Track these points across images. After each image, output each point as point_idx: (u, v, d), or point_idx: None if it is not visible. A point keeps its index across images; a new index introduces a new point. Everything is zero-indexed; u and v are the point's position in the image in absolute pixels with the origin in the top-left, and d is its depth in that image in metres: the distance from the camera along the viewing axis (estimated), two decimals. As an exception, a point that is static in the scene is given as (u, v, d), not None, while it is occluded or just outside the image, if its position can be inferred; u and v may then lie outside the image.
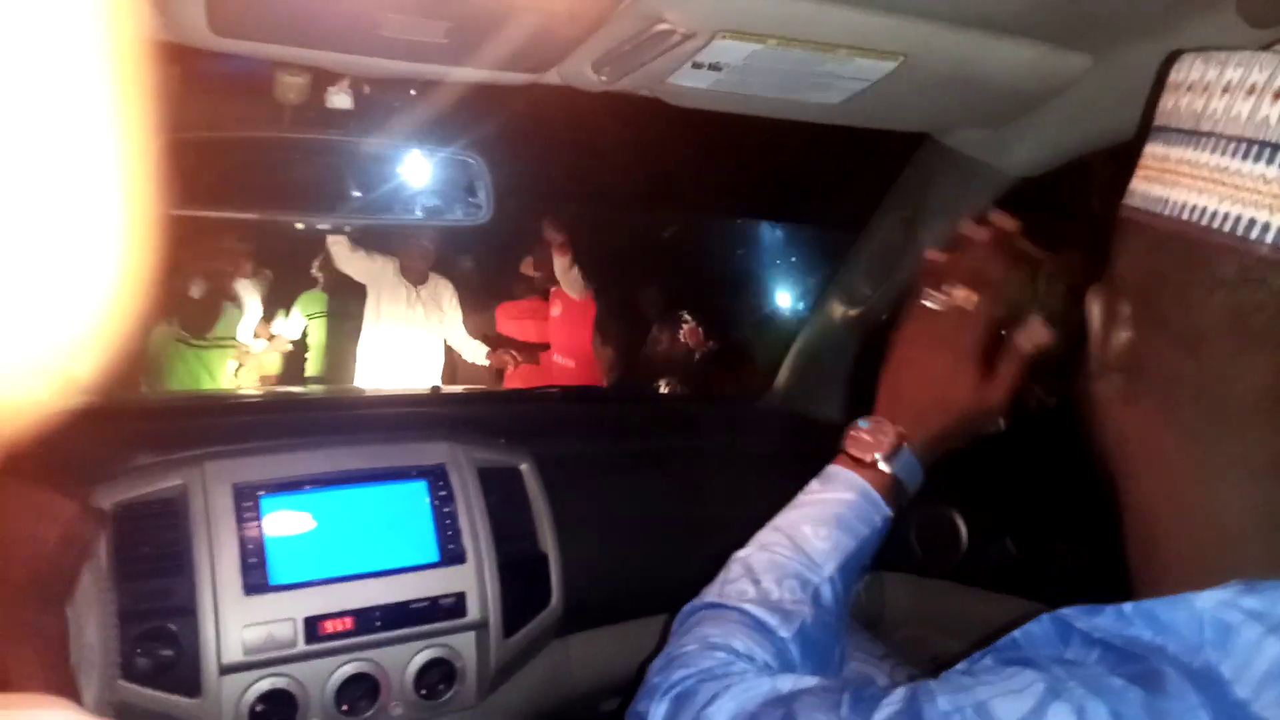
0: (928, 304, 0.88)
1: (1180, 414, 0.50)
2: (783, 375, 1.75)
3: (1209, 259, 0.47)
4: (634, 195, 3.46)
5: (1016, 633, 0.54)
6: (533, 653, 1.20)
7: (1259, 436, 0.48)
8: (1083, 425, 0.60)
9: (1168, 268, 0.49)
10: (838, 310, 1.60)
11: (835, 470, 0.86)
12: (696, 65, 0.86)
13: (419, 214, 1.17)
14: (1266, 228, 0.45)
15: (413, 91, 1.11)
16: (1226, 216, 0.46)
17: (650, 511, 1.34)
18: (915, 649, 1.50)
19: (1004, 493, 1.39)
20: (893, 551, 1.52)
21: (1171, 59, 0.54)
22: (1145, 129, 0.57)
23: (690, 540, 1.35)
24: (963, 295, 0.86)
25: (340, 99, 1.08)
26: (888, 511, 0.84)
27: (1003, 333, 0.87)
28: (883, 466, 0.84)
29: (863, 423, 0.87)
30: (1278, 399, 0.47)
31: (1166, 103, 0.52)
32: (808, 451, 1.60)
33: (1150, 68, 0.61)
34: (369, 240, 4.08)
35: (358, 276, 4.12)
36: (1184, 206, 0.48)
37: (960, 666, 0.54)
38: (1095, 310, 0.56)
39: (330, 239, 4.02)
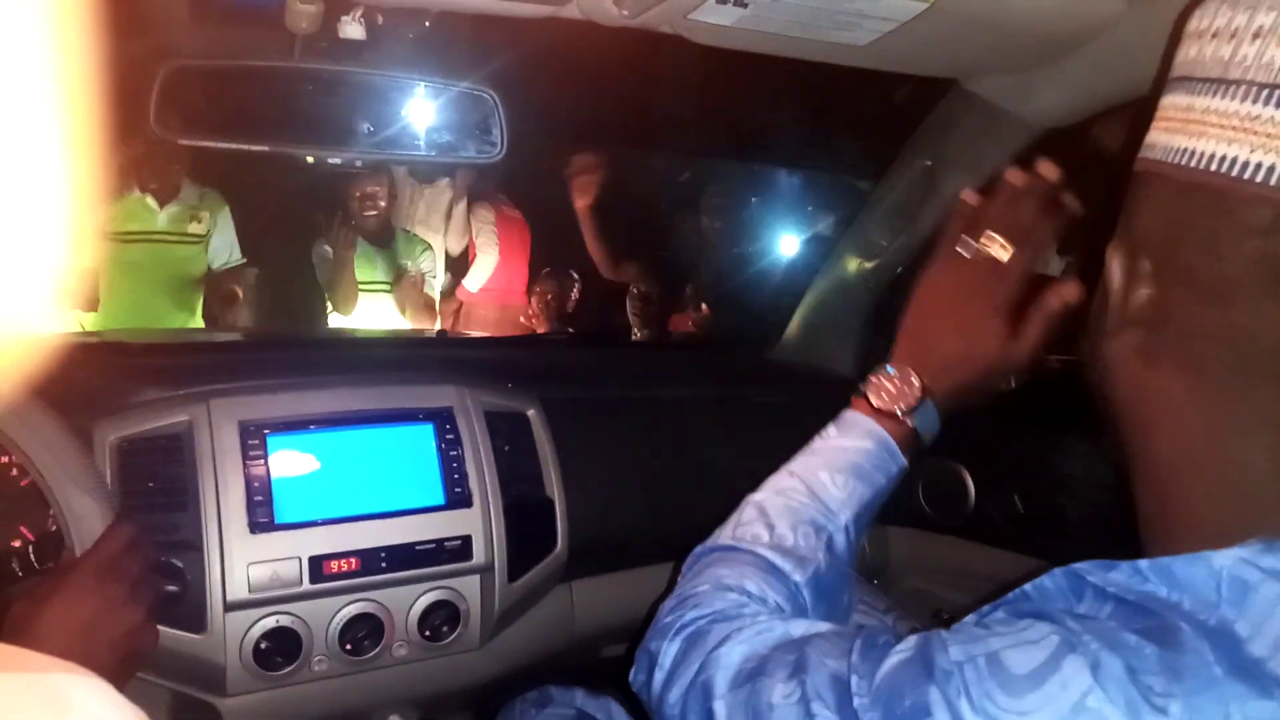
0: (961, 251, 0.84)
1: (1204, 368, 0.49)
2: (793, 326, 1.74)
3: (1240, 208, 0.45)
4: (649, 136, 3.40)
5: (1028, 586, 0.53)
6: (537, 597, 1.20)
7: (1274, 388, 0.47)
8: (1094, 384, 0.59)
9: (1194, 219, 0.48)
10: (852, 261, 1.58)
11: (854, 417, 0.84)
12: (721, 0, 0.83)
13: (431, 151, 1.15)
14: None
15: (427, 23, 1.08)
16: (1259, 166, 0.44)
17: (657, 459, 1.34)
18: (918, 602, 1.50)
19: (1012, 449, 1.38)
20: (899, 505, 1.52)
21: (1192, 6, 0.52)
22: (1160, 81, 0.56)
23: (696, 489, 1.34)
24: (999, 245, 0.81)
25: (353, 29, 1.05)
26: (904, 462, 0.83)
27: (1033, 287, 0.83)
28: (905, 419, 0.82)
29: (887, 369, 0.84)
30: None
31: (1188, 51, 0.51)
32: (817, 404, 1.59)
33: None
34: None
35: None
36: (1212, 157, 0.46)
37: (971, 618, 0.53)
38: (1115, 266, 0.55)
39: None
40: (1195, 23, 0.50)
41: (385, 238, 3.61)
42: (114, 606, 0.81)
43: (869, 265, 1.55)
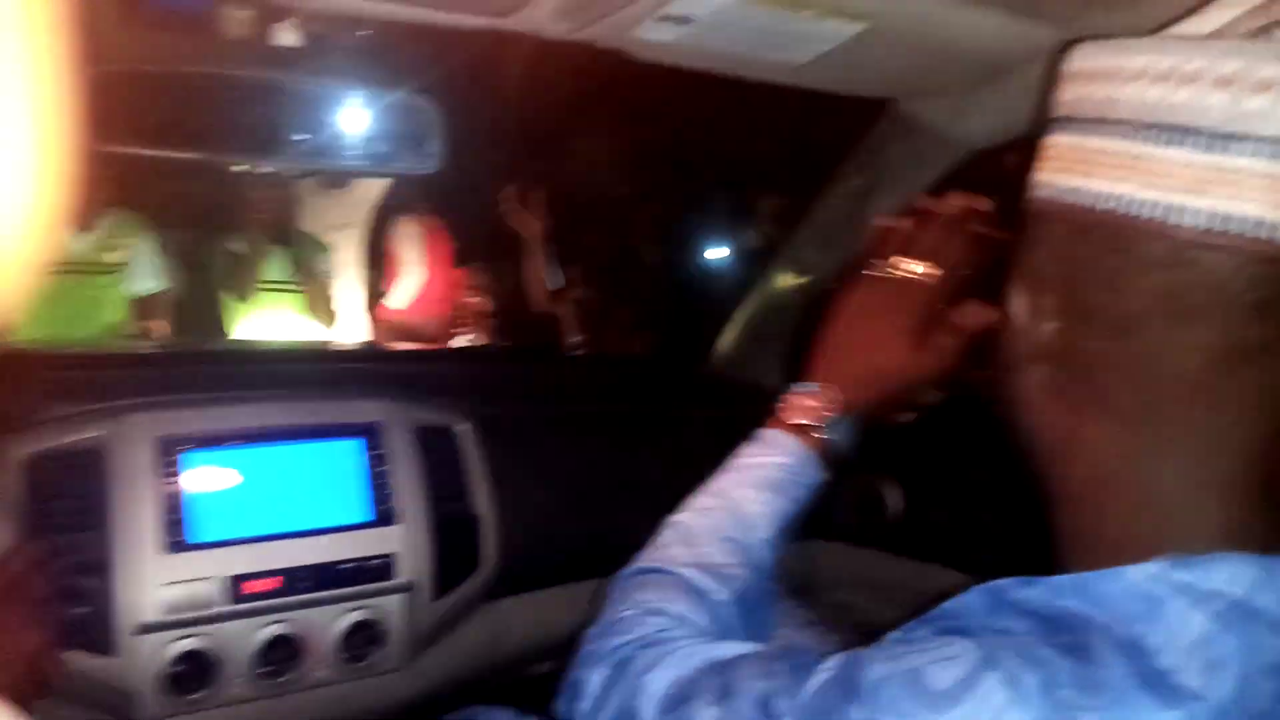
0: (875, 272, 0.87)
1: (1111, 399, 0.51)
2: (726, 340, 1.74)
3: (1137, 244, 0.47)
4: (587, 151, 3.41)
5: (950, 603, 0.54)
6: (463, 616, 1.18)
7: (1191, 413, 0.49)
8: (1004, 416, 0.61)
9: (1093, 255, 0.49)
10: (786, 277, 1.59)
11: (771, 433, 0.86)
12: (664, 17, 0.83)
13: (366, 161, 1.12)
14: (1193, 212, 0.45)
15: (364, 31, 1.06)
16: (1148, 203, 0.46)
17: (588, 475, 1.33)
18: (843, 616, 1.51)
19: (936, 463, 1.40)
20: (823, 519, 1.53)
21: (1067, 48, 0.55)
22: (1042, 120, 0.58)
23: (627, 505, 1.33)
24: (910, 266, 0.85)
25: (288, 35, 1.03)
26: (821, 476, 0.85)
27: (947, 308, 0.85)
28: (820, 433, 0.84)
29: (801, 386, 0.86)
30: (1209, 374, 0.47)
31: (1068, 92, 0.53)
32: (748, 418, 1.60)
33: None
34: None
35: None
36: (1104, 195, 0.48)
37: (894, 635, 0.55)
38: (1018, 303, 0.56)
39: None
40: (1075, 64, 0.52)
41: (284, 237, 3.53)
42: (14, 630, 0.77)
43: (802, 281, 1.56)
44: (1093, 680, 0.43)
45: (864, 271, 0.88)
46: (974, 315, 0.83)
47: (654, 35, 0.87)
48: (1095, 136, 0.49)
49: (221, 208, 3.50)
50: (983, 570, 1.35)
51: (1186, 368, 0.48)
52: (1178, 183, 0.45)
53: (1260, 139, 0.44)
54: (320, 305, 3.56)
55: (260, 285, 3.41)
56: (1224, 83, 0.44)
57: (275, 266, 3.46)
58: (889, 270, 0.86)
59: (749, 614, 0.75)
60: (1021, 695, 0.43)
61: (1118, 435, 0.51)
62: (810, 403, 0.85)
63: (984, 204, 0.86)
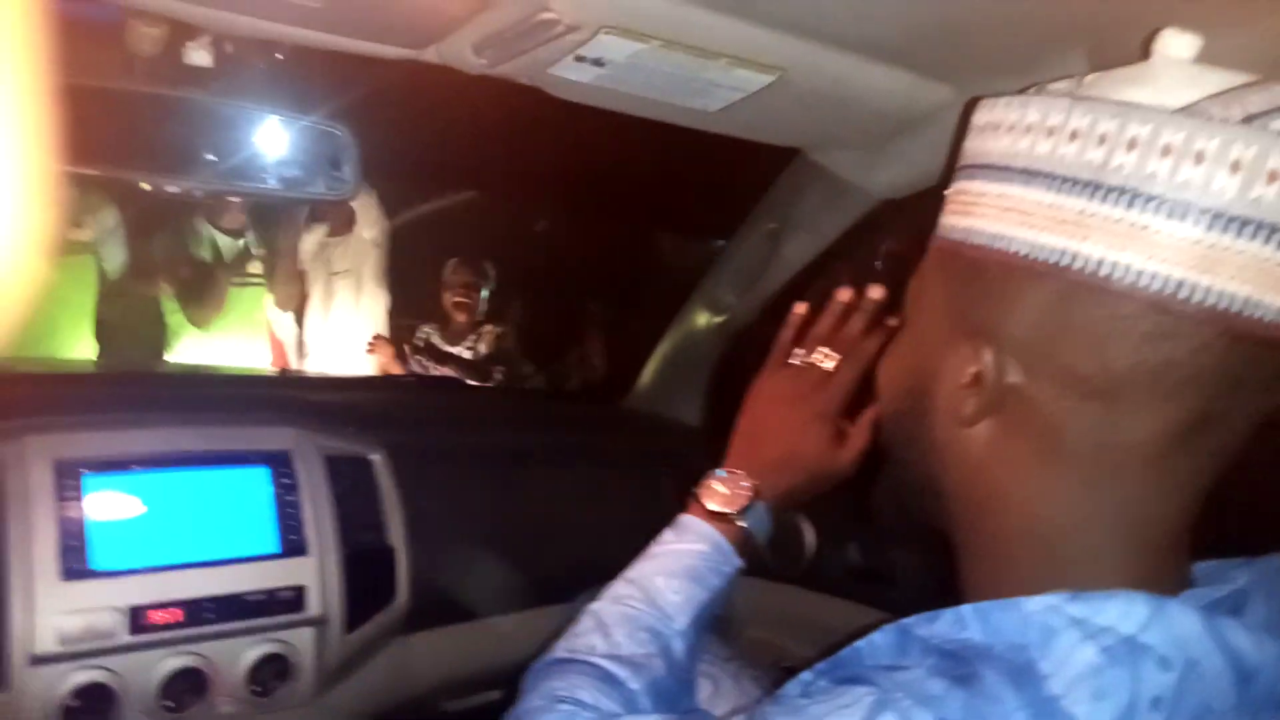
0: (791, 361, 0.92)
1: (1068, 457, 0.51)
2: (646, 376, 1.77)
3: (1132, 314, 0.47)
4: (504, 182, 3.42)
5: (860, 642, 0.55)
6: (374, 650, 1.16)
7: (1145, 474, 0.50)
8: (913, 462, 0.62)
9: (1078, 319, 0.49)
10: (702, 316, 1.62)
11: (688, 520, 0.87)
12: (579, 59, 0.85)
13: (278, 185, 1.11)
14: (1193, 288, 0.46)
15: (278, 55, 1.06)
16: (1154, 275, 0.46)
17: (504, 508, 1.32)
18: (762, 651, 1.53)
19: (849, 500, 1.43)
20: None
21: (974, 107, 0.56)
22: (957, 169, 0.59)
23: (544, 539, 1.34)
24: (825, 356, 0.90)
25: (199, 55, 1.02)
26: (738, 563, 0.87)
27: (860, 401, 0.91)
28: (737, 520, 0.86)
29: (718, 473, 0.89)
30: (1173, 439, 0.49)
31: (1054, 148, 0.50)
32: (665, 452, 1.62)
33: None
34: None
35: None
36: (1101, 262, 0.47)
37: (794, 687, 0.55)
38: (955, 359, 0.55)
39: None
40: (1056, 119, 0.51)
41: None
42: None
43: (718, 320, 1.59)
44: (983, 713, 0.44)
45: (780, 359, 0.93)
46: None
47: (570, 75, 0.89)
48: (1086, 199, 0.48)
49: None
50: (894, 608, 1.39)
51: (1153, 432, 0.49)
52: (1183, 258, 0.46)
53: (1174, 203, 0.46)
54: (284, 284, 3.45)
55: (232, 282, 3.30)
56: (1166, 151, 0.46)
57: (240, 254, 3.34)
58: (805, 359, 0.91)
59: (664, 703, 0.75)
60: None
61: (1064, 491, 0.51)
62: (727, 490, 0.87)
63: (883, 294, 0.92)
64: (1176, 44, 0.51)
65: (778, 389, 0.92)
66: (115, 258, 3.16)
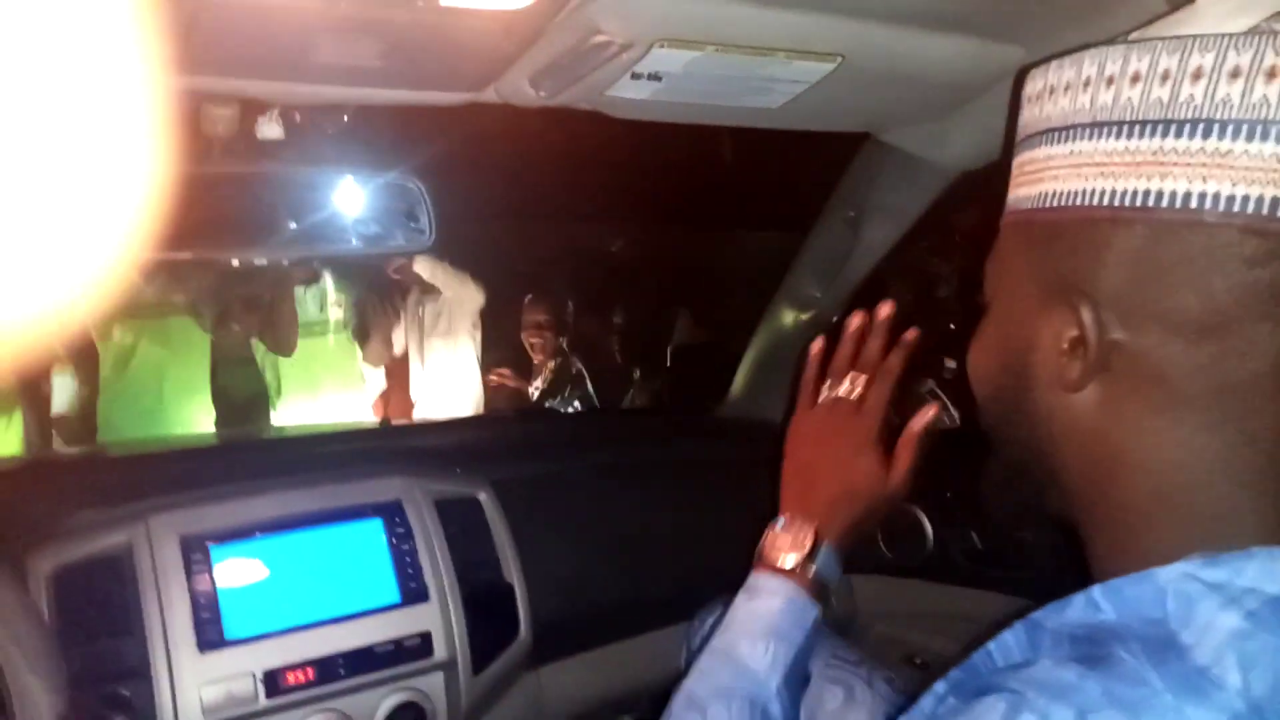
0: (821, 399, 0.92)
1: (1185, 404, 0.49)
2: (739, 382, 1.75)
3: (1228, 242, 0.46)
4: (576, 207, 3.46)
5: (991, 644, 0.54)
6: (504, 688, 1.17)
7: (1264, 413, 0.48)
8: (1024, 440, 0.59)
9: (1173, 259, 0.48)
10: (788, 314, 1.60)
11: (758, 580, 0.86)
12: (635, 76, 0.85)
13: (360, 243, 1.14)
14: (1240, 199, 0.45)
15: (345, 117, 1.08)
16: (1246, 199, 0.46)
17: (614, 529, 1.32)
18: (891, 648, 1.50)
19: (964, 486, 1.39)
20: (861, 552, 1.52)
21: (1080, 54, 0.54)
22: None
23: (658, 556, 1.33)
24: (850, 385, 0.90)
25: (271, 129, 1.05)
26: (816, 612, 0.85)
27: (896, 417, 0.89)
28: (806, 568, 0.85)
29: (778, 525, 0.88)
30: None
31: (1137, 92, 0.50)
32: (767, 456, 1.60)
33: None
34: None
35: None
36: (1189, 195, 0.47)
37: (927, 703, 0.54)
38: (1047, 326, 0.54)
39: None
40: (1114, 67, 0.51)
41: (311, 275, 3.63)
42: None
43: (805, 317, 1.57)
44: (1124, 697, 0.42)
45: (807, 398, 0.93)
46: (923, 418, 0.87)
47: (628, 94, 0.89)
48: (1172, 138, 0.48)
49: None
50: (1021, 590, 1.34)
51: (1268, 363, 0.47)
52: (1270, 176, 0.45)
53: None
54: (368, 337, 3.62)
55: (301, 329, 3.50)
56: (1235, 74, 0.46)
57: (310, 302, 3.55)
58: (834, 395, 0.90)
59: None
60: None
61: (1185, 441, 0.50)
62: (789, 540, 0.86)
63: (891, 309, 0.92)
64: None
65: (814, 428, 0.91)
66: (211, 310, 3.45)
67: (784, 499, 0.90)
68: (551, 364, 3.88)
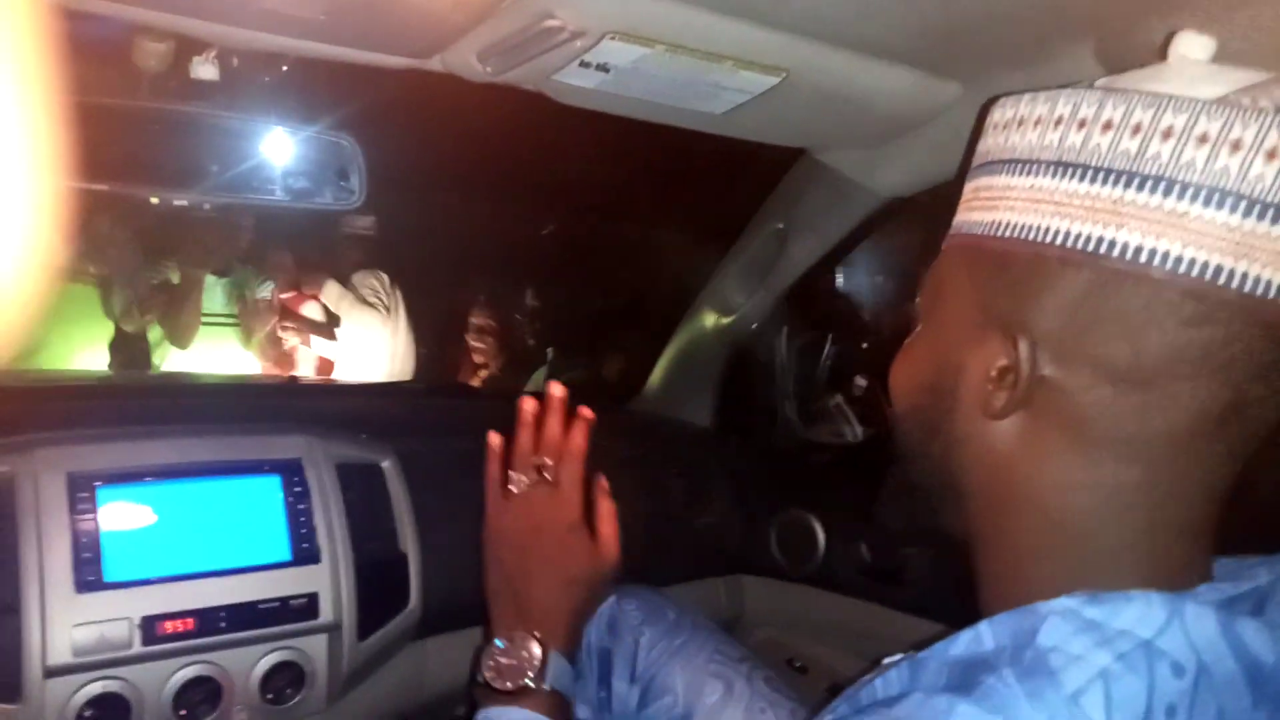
0: (512, 489, 0.90)
1: (1102, 448, 0.51)
2: (654, 378, 1.77)
3: (1171, 301, 0.47)
4: (509, 190, 3.43)
5: (878, 680, 0.55)
6: (388, 656, 1.16)
7: (1176, 464, 0.50)
8: (934, 465, 0.60)
9: (1116, 308, 0.49)
10: (709, 316, 1.63)
11: (492, 713, 0.80)
12: (584, 64, 0.85)
13: (286, 196, 1.12)
14: (1230, 273, 0.46)
15: (285, 67, 1.06)
16: (1193, 261, 0.47)
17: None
18: (773, 650, 1.54)
19: (859, 499, 1.43)
20: (752, 555, 1.56)
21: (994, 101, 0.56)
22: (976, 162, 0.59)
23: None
24: (539, 471, 0.88)
25: (206, 70, 1.02)
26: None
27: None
28: (539, 685, 0.80)
29: (496, 646, 0.83)
30: (1206, 426, 0.49)
31: (1085, 140, 0.51)
32: (675, 454, 1.62)
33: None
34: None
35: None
36: (1139, 250, 0.48)
37: None
38: (976, 355, 0.55)
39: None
40: (1088, 111, 0.51)
41: (224, 268, 3.50)
42: None
43: (725, 321, 1.60)
44: (993, 703, 0.43)
45: (498, 495, 0.91)
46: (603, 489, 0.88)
47: (575, 81, 0.90)
48: (1132, 190, 0.48)
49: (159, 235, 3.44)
50: (904, 606, 1.38)
51: (1184, 420, 0.49)
52: (1220, 244, 0.46)
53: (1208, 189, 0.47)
54: (256, 336, 3.50)
55: (202, 319, 3.37)
56: (1166, 134, 0.48)
57: (215, 298, 3.41)
58: (523, 483, 0.89)
59: None
60: None
61: (1092, 482, 0.51)
62: (513, 663, 0.81)
63: (564, 391, 0.93)
64: (1194, 45, 0.52)
65: (513, 523, 0.89)
66: (123, 292, 3.34)
67: (496, 617, 0.86)
68: (490, 369, 3.85)
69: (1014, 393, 0.52)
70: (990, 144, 0.58)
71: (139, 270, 3.36)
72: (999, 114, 0.57)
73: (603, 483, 0.88)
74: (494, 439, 0.91)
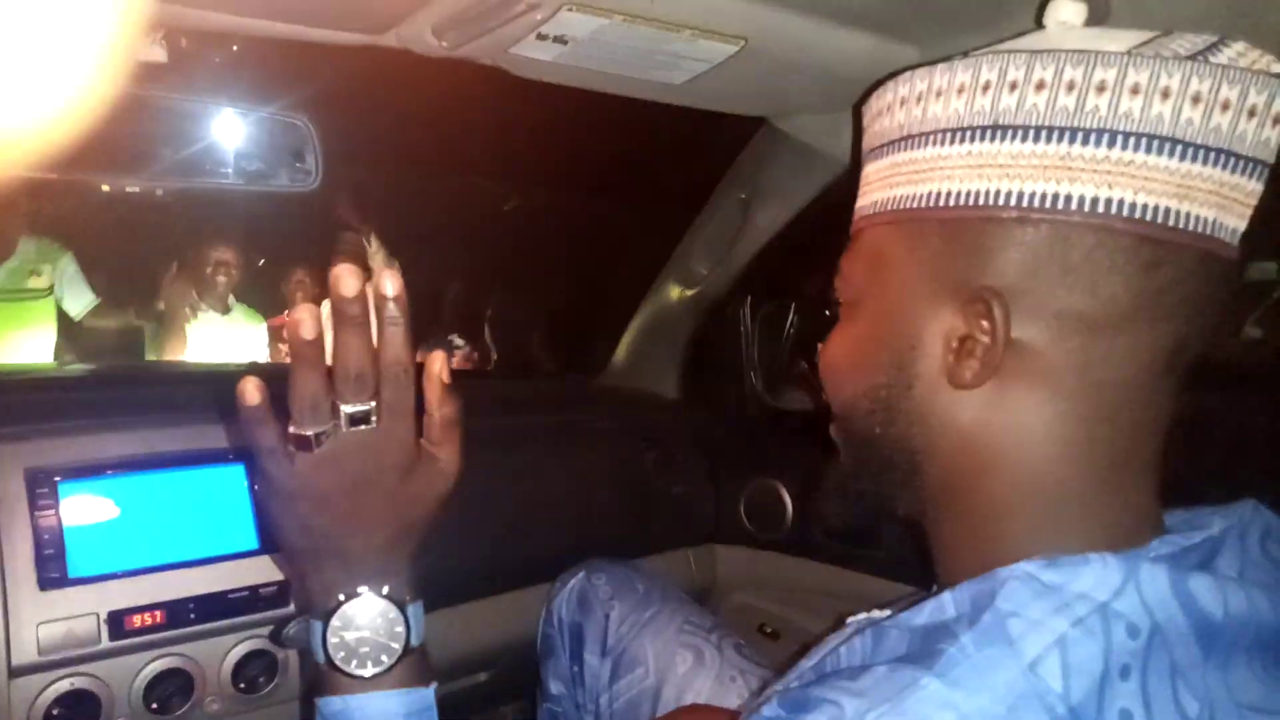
0: (305, 431, 0.62)
1: (1065, 396, 0.51)
2: (620, 351, 1.77)
3: (1129, 247, 0.49)
4: (470, 164, 3.39)
5: (842, 648, 0.55)
6: (361, 639, 1.15)
7: (1133, 411, 0.51)
8: (893, 437, 0.58)
9: (1080, 259, 0.50)
10: (674, 289, 1.62)
11: (347, 704, 0.65)
12: (541, 36, 0.84)
13: (240, 179, 1.10)
14: (1178, 215, 0.49)
15: (235, 47, 1.04)
16: (1145, 207, 0.49)
17: (485, 492, 1.32)
18: (745, 616, 1.55)
19: (826, 466, 1.44)
20: (723, 523, 1.57)
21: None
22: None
23: (526, 520, 1.34)
24: (355, 408, 0.62)
25: (154, 51, 0.99)
26: (429, 690, 0.70)
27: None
28: (407, 649, 0.67)
29: (335, 618, 0.65)
30: (1155, 374, 0.51)
31: (1036, 98, 0.50)
32: (643, 425, 1.62)
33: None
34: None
35: None
36: (1095, 200, 0.49)
37: (769, 711, 0.49)
38: (930, 318, 0.55)
39: None
40: (1017, 73, 0.51)
41: (225, 307, 3.53)
42: None
43: (690, 293, 1.59)
44: (954, 703, 0.43)
45: (279, 449, 0.64)
46: (435, 365, 0.65)
47: (532, 54, 0.88)
48: (1078, 144, 0.49)
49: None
50: (874, 569, 1.40)
51: (1147, 361, 0.51)
52: (1166, 188, 0.48)
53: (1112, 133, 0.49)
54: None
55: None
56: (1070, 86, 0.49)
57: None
58: (315, 442, 0.63)
59: None
60: None
61: (1063, 437, 0.52)
62: (363, 632, 0.66)
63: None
64: (1070, 9, 0.56)
65: (323, 484, 0.64)
66: (77, 302, 3.42)
67: (316, 586, 0.66)
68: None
69: (987, 359, 0.52)
70: (900, 119, 0.57)
71: None
72: (906, 89, 0.57)
73: (435, 383, 0.65)
74: (251, 390, 0.64)
